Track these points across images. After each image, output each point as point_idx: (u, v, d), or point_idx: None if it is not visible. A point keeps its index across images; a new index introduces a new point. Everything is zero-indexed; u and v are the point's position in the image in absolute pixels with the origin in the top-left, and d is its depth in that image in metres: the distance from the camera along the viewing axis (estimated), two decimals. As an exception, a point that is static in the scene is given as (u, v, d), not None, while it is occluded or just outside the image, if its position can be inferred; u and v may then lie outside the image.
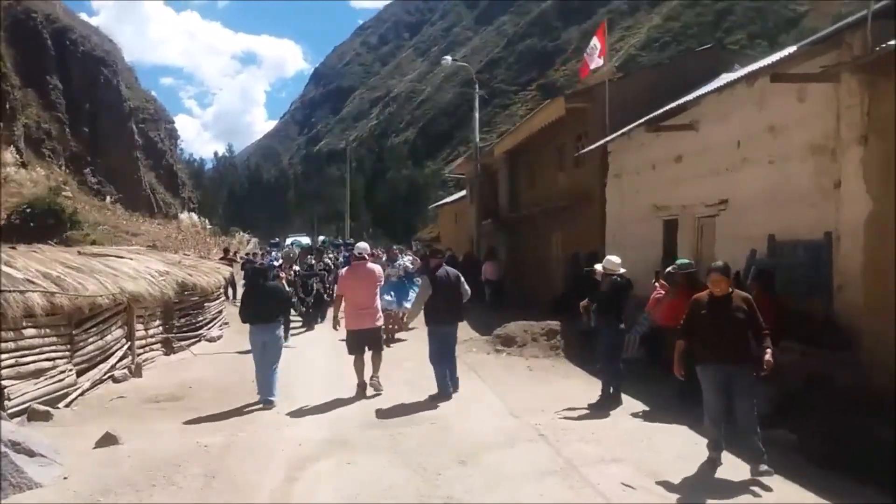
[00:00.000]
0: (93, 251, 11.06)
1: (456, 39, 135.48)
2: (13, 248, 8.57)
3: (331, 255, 18.56)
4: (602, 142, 13.00)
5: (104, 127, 47.53)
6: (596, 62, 15.07)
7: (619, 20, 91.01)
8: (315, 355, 11.21)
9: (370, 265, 8.36)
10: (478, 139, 22.50)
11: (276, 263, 24.98)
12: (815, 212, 7.62)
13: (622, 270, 7.57)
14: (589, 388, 8.34)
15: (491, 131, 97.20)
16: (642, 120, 11.39)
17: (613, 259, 7.59)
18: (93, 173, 44.92)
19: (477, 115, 22.99)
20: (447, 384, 7.91)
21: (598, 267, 7.64)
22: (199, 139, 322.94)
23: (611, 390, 7.37)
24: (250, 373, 9.34)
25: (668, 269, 7.83)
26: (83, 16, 63.56)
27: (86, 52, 48.25)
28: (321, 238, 35.89)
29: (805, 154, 7.89)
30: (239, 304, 8.74)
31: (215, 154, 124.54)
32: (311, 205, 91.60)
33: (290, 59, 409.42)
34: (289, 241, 38.65)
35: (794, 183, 8.05)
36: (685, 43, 76.76)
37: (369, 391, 8.15)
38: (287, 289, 10.07)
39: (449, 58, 23.95)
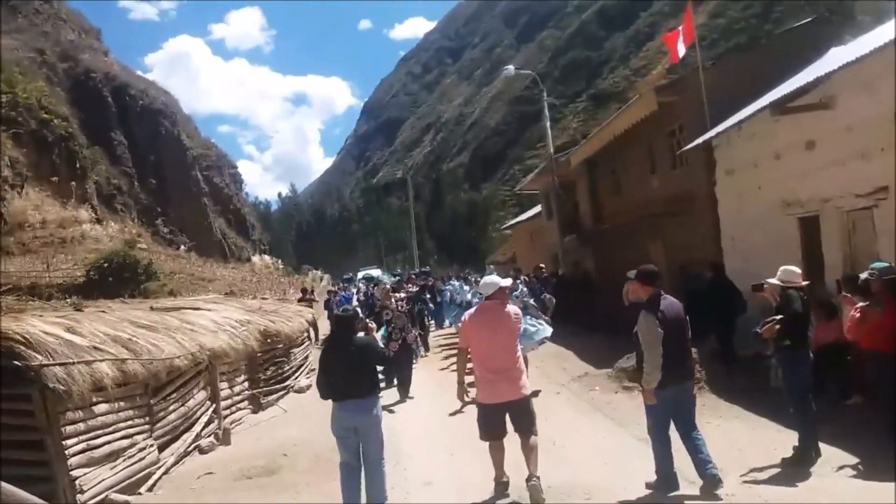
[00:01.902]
0: (166, 305, 10.23)
1: (499, 59, 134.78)
2: (79, 309, 7.72)
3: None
4: (715, 132, 11.42)
5: (170, 177, 48.51)
6: (681, 49, 13.75)
7: (663, 22, 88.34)
8: (420, 429, 8.44)
9: (507, 308, 5.62)
10: (552, 150, 21.12)
11: (353, 302, 24.16)
12: None
13: (804, 283, 6.05)
14: (758, 432, 6.83)
15: (545, 147, 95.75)
16: (764, 103, 9.84)
17: (792, 269, 6.02)
18: (164, 224, 45.74)
19: (548, 123, 21.64)
20: (672, 469, 5.33)
21: (774, 280, 6.03)
22: (262, 182, 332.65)
23: (806, 439, 5.74)
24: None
25: (864, 274, 6.22)
26: (138, 72, 65.53)
27: (145, 105, 49.53)
28: (397, 272, 34.85)
29: None
30: (317, 370, 5.90)
31: (279, 195, 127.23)
32: (374, 236, 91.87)
33: (339, 96, 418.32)
34: (360, 274, 38.03)
35: None
36: (733, 39, 73.63)
37: (520, 497, 5.34)
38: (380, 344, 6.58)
39: (511, 67, 22.74)
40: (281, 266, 49.79)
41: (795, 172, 10.06)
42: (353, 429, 5.36)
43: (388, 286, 12.01)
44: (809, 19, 15.23)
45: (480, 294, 9.65)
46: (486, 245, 76.16)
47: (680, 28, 14.26)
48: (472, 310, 5.96)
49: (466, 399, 5.80)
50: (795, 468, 5.62)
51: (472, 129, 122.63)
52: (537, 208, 28.73)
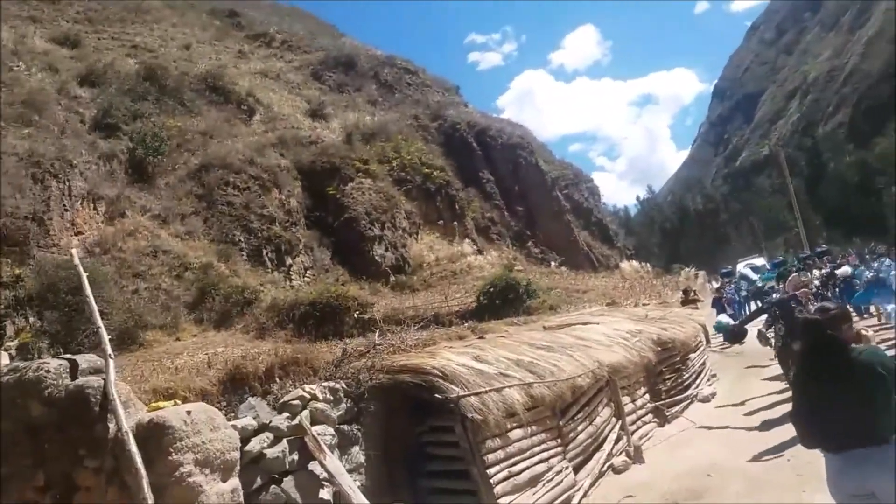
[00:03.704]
0: (557, 323, 10.25)
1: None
2: (482, 337, 8.02)
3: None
4: None
5: (534, 202, 51.39)
6: None
7: None
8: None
9: None
10: None
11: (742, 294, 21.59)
12: None
13: None
14: None
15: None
16: None
17: None
18: (535, 245, 48.50)
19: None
20: None
21: None
22: (617, 190, 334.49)
23: None
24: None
25: None
26: (493, 115, 71.59)
27: (504, 143, 53.55)
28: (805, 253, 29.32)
29: None
30: (792, 404, 3.90)
31: (637, 198, 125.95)
32: (748, 223, 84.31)
33: (685, 86, 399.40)
34: (740, 265, 34.74)
35: None
36: None
37: None
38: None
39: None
40: (650, 269, 48.51)
41: None
42: (869, 494, 3.42)
43: (802, 278, 9.29)
44: None
45: None
46: (890, 211, 63.77)
47: None
48: None
49: None
50: None
51: (848, 82, 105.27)
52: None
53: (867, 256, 17.19)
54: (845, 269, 14.45)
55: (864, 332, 3.90)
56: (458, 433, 5.35)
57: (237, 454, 4.57)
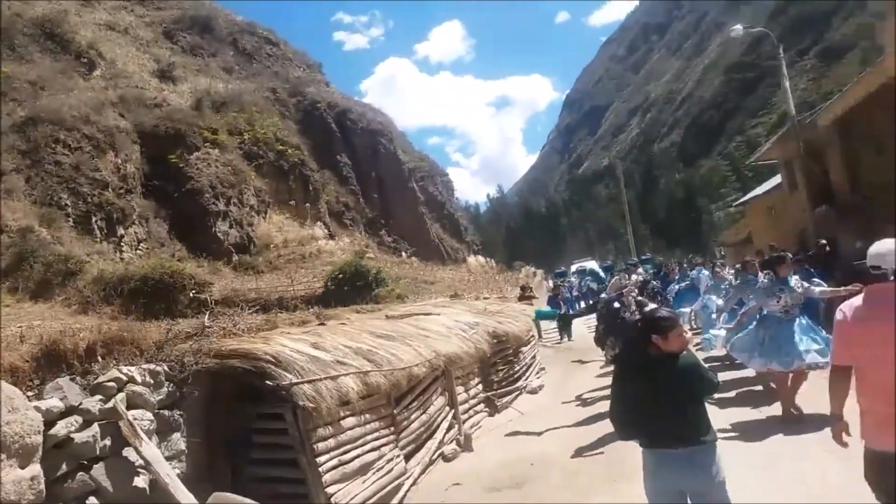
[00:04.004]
0: (400, 312, 10.32)
1: (709, 28, 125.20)
2: (321, 323, 7.89)
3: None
4: None
5: (390, 190, 51.51)
6: None
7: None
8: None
9: None
10: (793, 111, 18.47)
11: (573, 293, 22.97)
12: None
13: None
14: None
15: (768, 114, 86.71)
16: None
17: None
18: (388, 233, 48.65)
19: (787, 82, 18.99)
20: None
21: None
22: (470, 186, 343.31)
23: None
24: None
25: None
26: (355, 98, 70.68)
27: (364, 127, 53.06)
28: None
29: None
30: (611, 399, 3.91)
31: (488, 196, 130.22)
32: (584, 228, 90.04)
33: (540, 93, 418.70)
34: (574, 267, 37.04)
35: None
36: None
37: None
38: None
39: (740, 27, 20.45)
40: (494, 265, 50.42)
41: None
42: (679, 493, 3.58)
43: (628, 281, 9.47)
44: None
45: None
46: (707, 227, 70.95)
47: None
48: (854, 301, 3.42)
49: (846, 439, 3.49)
50: None
51: (683, 105, 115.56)
52: (772, 181, 25.63)
53: (685, 266, 18.95)
54: (635, 278, 15.52)
55: (686, 332, 3.90)
56: (289, 421, 5.22)
57: (39, 438, 4.19)
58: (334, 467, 5.52)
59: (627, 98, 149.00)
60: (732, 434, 6.72)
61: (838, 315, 3.45)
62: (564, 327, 18.13)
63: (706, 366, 3.75)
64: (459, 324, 9.63)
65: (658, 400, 3.53)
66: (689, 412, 3.54)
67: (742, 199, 35.51)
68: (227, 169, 31.75)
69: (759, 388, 8.68)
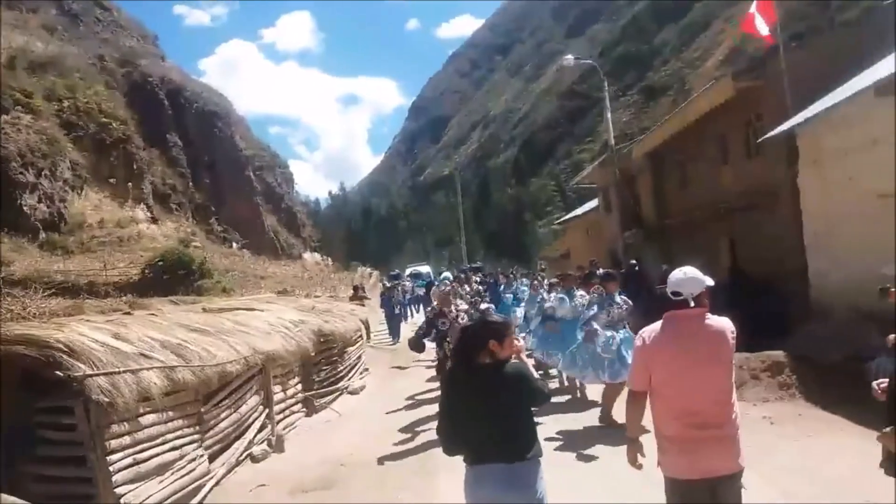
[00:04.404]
0: (220, 306, 9.89)
1: (548, 54, 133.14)
2: (128, 313, 7.37)
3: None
4: (803, 116, 10.49)
5: (224, 177, 49.19)
6: (762, 27, 12.81)
7: (719, 11, 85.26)
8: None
9: (717, 322, 3.42)
10: (613, 140, 20.23)
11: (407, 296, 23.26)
12: None
13: None
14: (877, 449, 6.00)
15: (593, 142, 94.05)
16: (862, 85, 8.94)
17: None
18: (218, 222, 46.38)
19: (609, 114, 20.78)
20: None
21: None
22: (312, 181, 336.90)
23: None
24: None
25: None
26: (193, 76, 66.66)
27: (200, 108, 50.30)
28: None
29: None
30: (440, 411, 3.70)
31: (329, 193, 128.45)
32: (422, 233, 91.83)
33: (387, 96, 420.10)
34: (408, 271, 37.63)
35: None
36: (790, 29, 70.28)
37: None
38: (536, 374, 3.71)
39: (571, 57, 22.00)
40: (331, 263, 49.96)
41: (892, 161, 9.08)
42: None
43: (448, 287, 9.29)
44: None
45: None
46: (532, 241, 75.15)
47: (753, 8, 13.22)
48: (654, 327, 3.49)
49: (641, 460, 3.51)
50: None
51: (520, 125, 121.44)
52: (591, 203, 27.83)
53: (511, 276, 19.96)
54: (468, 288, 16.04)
55: (518, 340, 3.79)
56: (78, 415, 4.82)
57: None
58: (128, 466, 5.17)
59: (469, 112, 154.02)
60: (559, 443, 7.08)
61: (637, 341, 3.54)
62: (394, 330, 18.40)
63: (536, 374, 3.60)
64: (283, 321, 9.41)
65: (482, 412, 3.34)
66: (513, 425, 3.35)
67: (564, 218, 38.15)
68: (40, 137, 28.68)
69: (569, 396, 9.37)
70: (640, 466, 3.48)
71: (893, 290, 5.40)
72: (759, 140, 12.23)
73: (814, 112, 10.14)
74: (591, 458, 6.55)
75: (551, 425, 7.55)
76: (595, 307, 7.94)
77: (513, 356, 3.52)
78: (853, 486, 5.21)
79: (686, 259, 3.75)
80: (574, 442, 7.10)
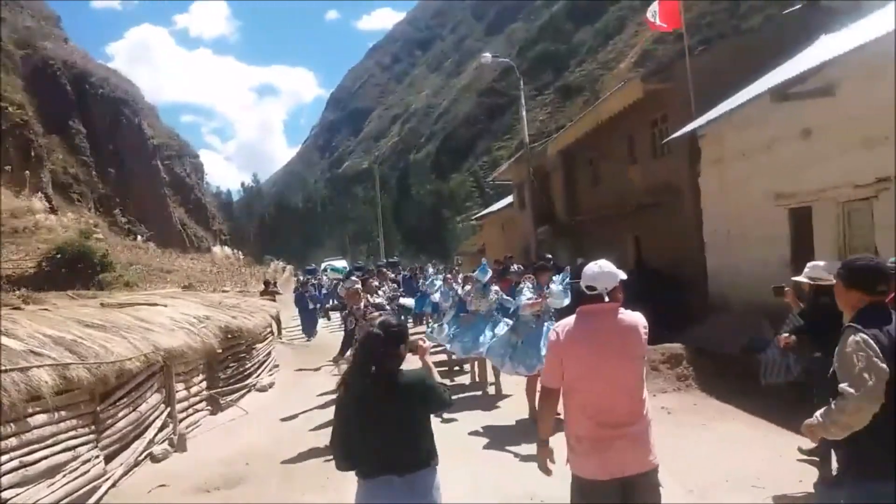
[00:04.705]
0: (119, 301, 9.44)
1: (468, 51, 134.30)
2: (18, 308, 6.93)
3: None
4: (706, 119, 11.03)
5: (130, 167, 47.06)
6: (661, 25, 13.53)
7: (632, 16, 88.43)
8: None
9: (630, 316, 3.36)
10: (528, 139, 20.64)
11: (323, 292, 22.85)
12: None
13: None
14: (766, 437, 6.42)
15: (512, 139, 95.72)
16: (759, 90, 9.47)
17: (821, 265, 5.27)
18: (122, 213, 44.32)
19: (524, 112, 21.18)
20: None
21: (802, 278, 5.32)
22: (224, 172, 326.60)
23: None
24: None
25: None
26: (99, 61, 63.27)
27: (106, 94, 47.93)
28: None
29: None
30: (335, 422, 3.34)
31: (242, 185, 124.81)
32: (340, 227, 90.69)
33: (305, 87, 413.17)
34: (323, 265, 37.09)
35: None
36: (697, 36, 73.84)
37: None
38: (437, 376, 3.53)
39: (489, 55, 22.23)
40: (242, 257, 48.57)
41: (789, 163, 9.69)
42: None
43: (357, 285, 8.93)
44: (798, 6, 14.89)
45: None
46: (451, 236, 75.63)
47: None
48: (567, 321, 3.41)
49: (551, 466, 3.39)
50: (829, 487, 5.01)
51: (440, 120, 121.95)
52: (507, 199, 28.28)
53: (430, 271, 20.12)
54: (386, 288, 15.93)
55: (420, 342, 3.75)
56: (-44, 418, 4.51)
57: None
58: (14, 469, 4.88)
59: (390, 105, 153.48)
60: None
61: (551, 336, 3.43)
62: (308, 326, 18.07)
63: (438, 381, 3.41)
64: (188, 317, 9.10)
65: (379, 420, 3.15)
66: (411, 434, 3.19)
67: (480, 214, 38.61)
68: (-78, 118, 26.53)
69: (480, 392, 9.50)
70: (549, 472, 3.37)
71: (788, 289, 5.72)
72: (665, 140, 12.77)
73: (716, 114, 10.66)
74: (516, 455, 6.52)
75: (469, 421, 7.70)
76: (529, 294, 7.91)
77: (418, 358, 3.48)
78: (745, 471, 5.56)
79: (595, 255, 3.84)
80: (496, 437, 7.18)
